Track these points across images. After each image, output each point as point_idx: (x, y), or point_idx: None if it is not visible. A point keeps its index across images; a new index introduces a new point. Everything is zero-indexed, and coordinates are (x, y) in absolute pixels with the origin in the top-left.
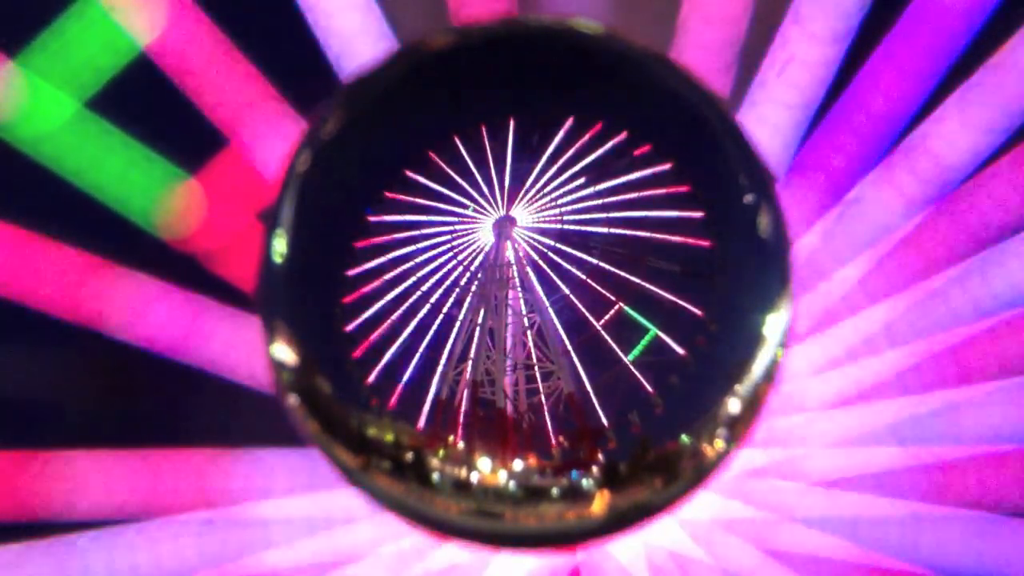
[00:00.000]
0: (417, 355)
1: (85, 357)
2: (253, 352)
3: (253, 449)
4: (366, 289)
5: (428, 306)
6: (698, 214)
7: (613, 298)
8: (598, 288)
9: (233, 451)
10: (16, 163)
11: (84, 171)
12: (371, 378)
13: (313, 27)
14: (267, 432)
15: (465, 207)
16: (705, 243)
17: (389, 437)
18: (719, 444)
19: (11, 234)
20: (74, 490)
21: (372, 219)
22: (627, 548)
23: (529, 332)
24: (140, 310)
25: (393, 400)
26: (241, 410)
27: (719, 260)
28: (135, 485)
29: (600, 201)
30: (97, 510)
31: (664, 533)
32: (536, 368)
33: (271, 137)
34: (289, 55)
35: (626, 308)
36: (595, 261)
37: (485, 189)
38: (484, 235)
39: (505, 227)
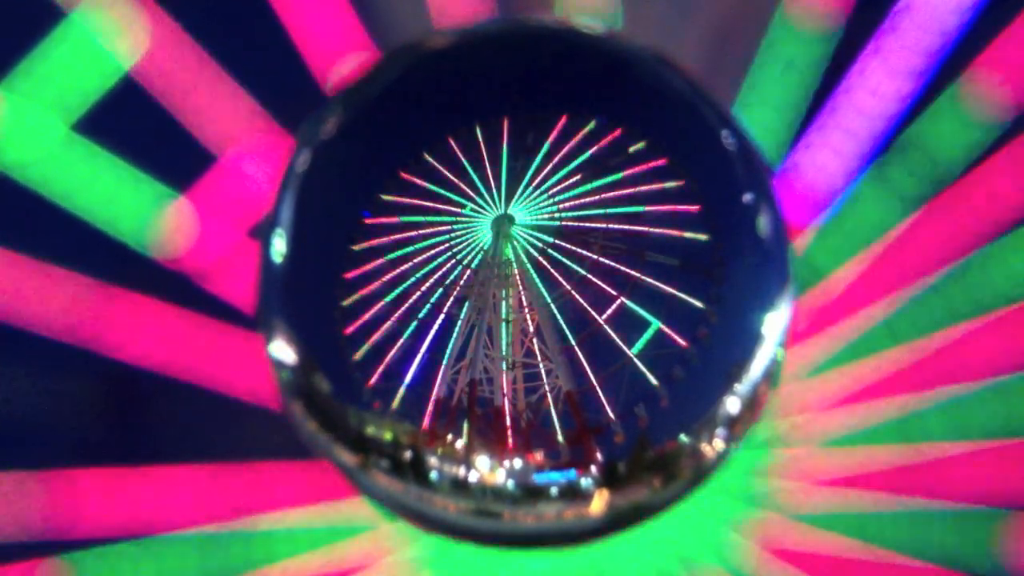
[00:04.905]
0: (418, 355)
1: (82, 377)
2: (250, 367)
3: (253, 463)
4: (365, 291)
5: (428, 306)
6: (694, 208)
7: (614, 293)
8: (598, 283)
9: (233, 465)
10: (5, 188)
11: (74, 194)
12: (372, 380)
13: (297, 43)
14: (267, 446)
15: (463, 206)
16: (703, 237)
17: (388, 435)
18: (718, 444)
19: (4, 258)
20: (76, 509)
21: (369, 221)
22: (631, 549)
23: (529, 330)
24: (135, 329)
25: (395, 401)
26: (240, 425)
27: (718, 253)
28: (137, 502)
29: (598, 197)
30: (99, 528)
31: (668, 534)
32: (538, 366)
33: (259, 153)
34: (273, 72)
35: (627, 303)
36: (594, 257)
37: (482, 188)
38: (482, 234)
39: (503, 225)
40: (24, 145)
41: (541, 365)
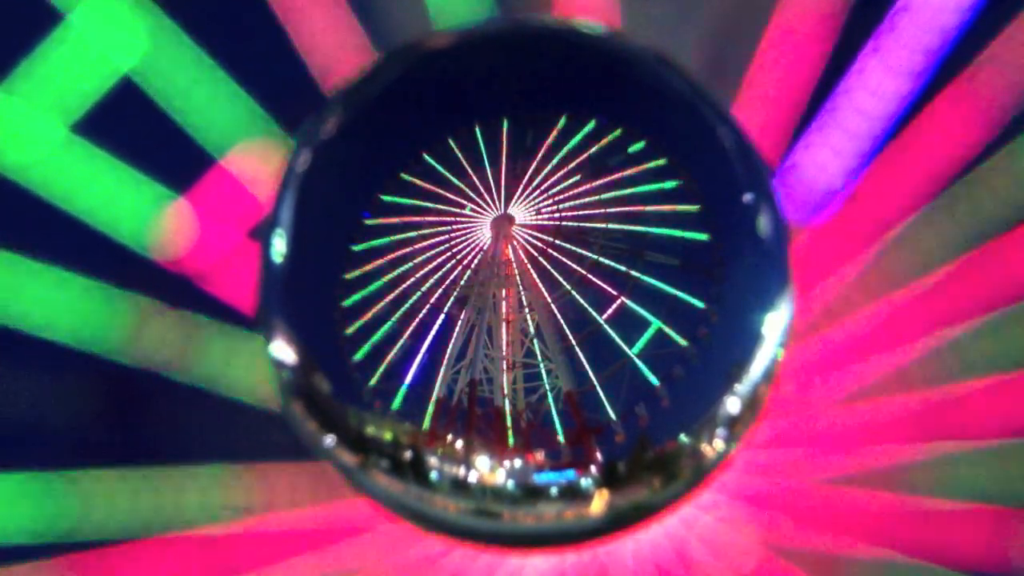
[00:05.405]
0: (419, 356)
1: (84, 379)
2: (250, 368)
3: (254, 464)
4: (365, 291)
5: (428, 306)
6: (694, 207)
7: (614, 293)
8: (598, 283)
9: (234, 467)
10: (5, 190)
11: (73, 195)
12: (373, 380)
13: (296, 45)
14: (268, 447)
15: (463, 206)
16: (703, 236)
17: (388, 436)
18: (718, 444)
19: (5, 259)
20: (78, 510)
21: (369, 222)
22: (633, 549)
23: (530, 330)
24: (136, 331)
25: (396, 402)
26: (240, 426)
27: (718, 253)
28: (138, 504)
29: (598, 197)
30: (101, 529)
31: (671, 534)
32: (538, 366)
33: (258, 155)
34: (273, 73)
35: (627, 303)
36: (594, 257)
37: (482, 188)
38: (482, 234)
39: (503, 225)
40: (24, 147)
41: (541, 365)
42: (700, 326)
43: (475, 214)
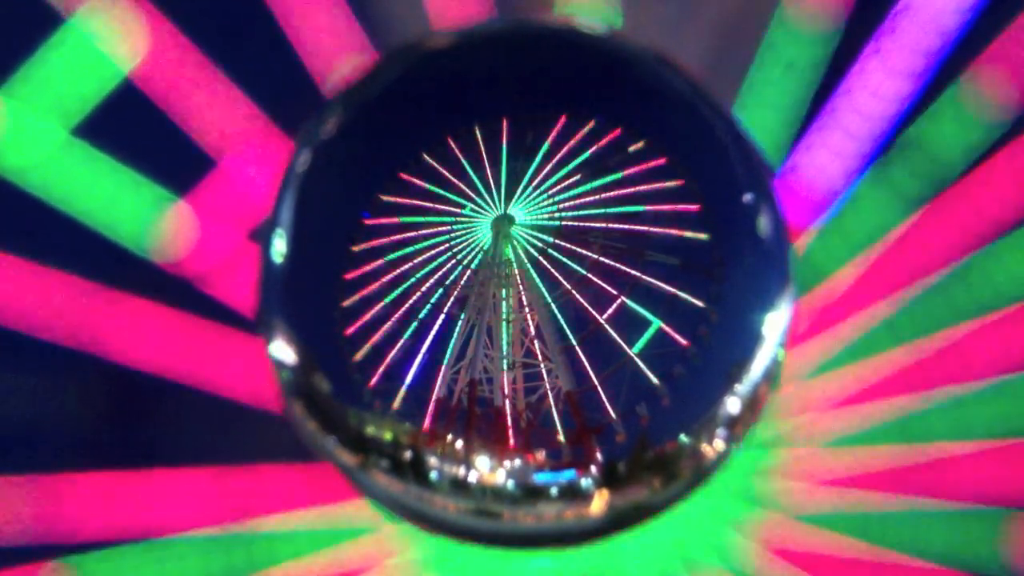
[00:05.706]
0: (419, 356)
1: (83, 381)
2: (250, 370)
3: (255, 465)
4: (365, 292)
5: (428, 306)
6: (694, 208)
7: (614, 293)
8: (599, 283)
9: (235, 468)
10: (5, 192)
11: (73, 198)
12: (373, 381)
13: (295, 46)
14: (268, 448)
15: (462, 206)
16: (703, 236)
17: (387, 435)
18: (718, 444)
19: (4, 261)
20: (78, 512)
21: (368, 222)
22: (633, 549)
23: (530, 330)
24: (136, 333)
25: (396, 402)
26: (241, 428)
27: (717, 253)
28: (139, 506)
29: (598, 197)
30: (102, 532)
31: (670, 534)
32: (538, 366)
33: (258, 157)
34: (272, 75)
35: (627, 302)
36: (594, 256)
37: (482, 188)
38: (482, 234)
39: (503, 225)
40: (24, 149)
41: (541, 365)
42: (700, 326)
43: (475, 214)
